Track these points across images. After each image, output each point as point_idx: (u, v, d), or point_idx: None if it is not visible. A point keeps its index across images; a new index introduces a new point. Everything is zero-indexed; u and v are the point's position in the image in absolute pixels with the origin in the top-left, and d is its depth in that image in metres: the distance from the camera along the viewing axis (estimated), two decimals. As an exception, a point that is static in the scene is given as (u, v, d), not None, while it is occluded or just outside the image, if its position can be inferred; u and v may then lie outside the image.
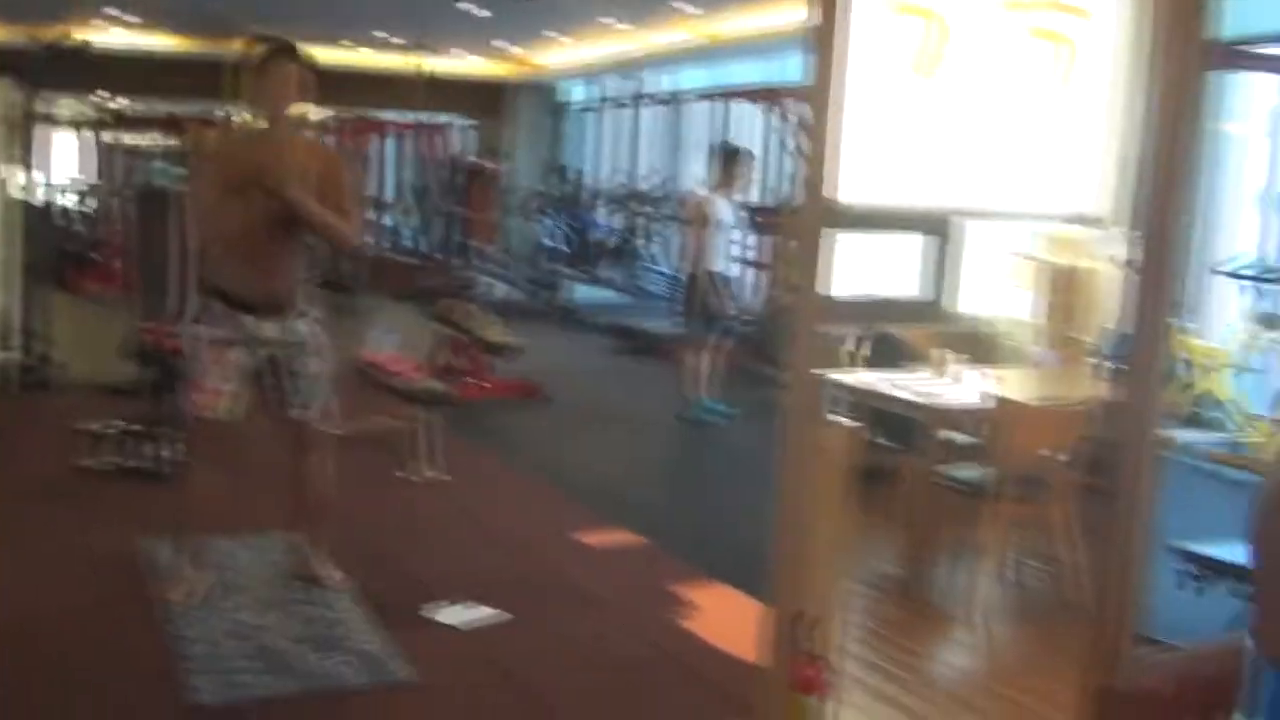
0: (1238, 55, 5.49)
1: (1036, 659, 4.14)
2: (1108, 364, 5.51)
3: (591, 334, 11.68)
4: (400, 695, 3.58)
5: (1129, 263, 6.79)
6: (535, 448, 7.14)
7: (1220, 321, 7.68)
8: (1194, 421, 7.31)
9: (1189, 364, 7.09)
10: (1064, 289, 6.59)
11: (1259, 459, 6.54)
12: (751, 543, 4.99)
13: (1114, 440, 4.76)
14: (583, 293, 13.67)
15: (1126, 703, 3.42)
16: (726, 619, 4.20)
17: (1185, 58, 3.43)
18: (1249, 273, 7.24)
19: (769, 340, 9.12)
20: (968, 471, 4.78)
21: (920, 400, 4.69)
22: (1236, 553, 4.07)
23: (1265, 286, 7.29)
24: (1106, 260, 6.58)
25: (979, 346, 6.41)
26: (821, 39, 2.91)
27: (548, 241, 14.78)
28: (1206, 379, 6.99)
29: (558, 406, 8.15)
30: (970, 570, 4.77)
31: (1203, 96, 3.60)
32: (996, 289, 7.00)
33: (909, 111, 5.00)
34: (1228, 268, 7.28)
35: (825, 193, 2.94)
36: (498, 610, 4.18)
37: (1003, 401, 4.62)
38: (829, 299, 2.99)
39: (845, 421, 3.40)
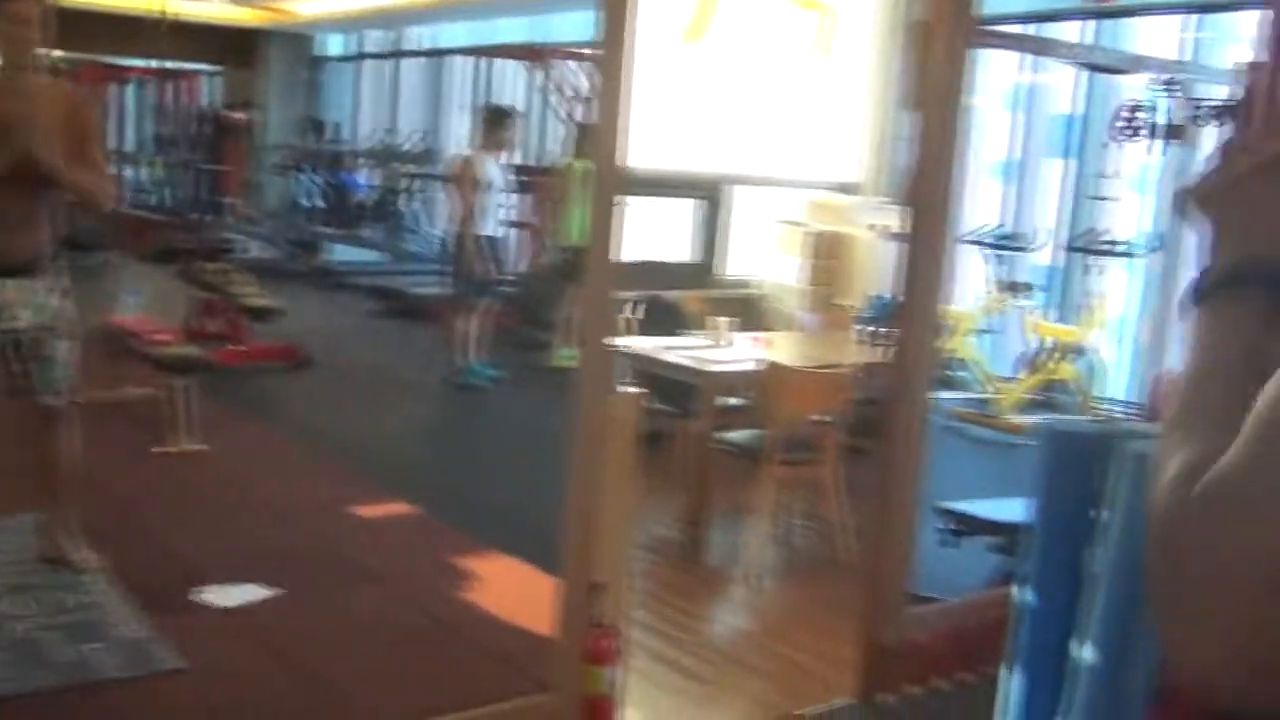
0: (992, 35, 5.76)
1: (810, 616, 4.27)
2: (870, 328, 5.72)
3: (352, 295, 11.35)
4: (167, 684, 3.37)
5: (886, 230, 7.05)
6: (300, 415, 6.88)
7: (965, 288, 8.10)
8: (943, 382, 7.70)
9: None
10: (826, 255, 6.81)
11: (1001, 417, 6.96)
12: (528, 510, 4.99)
13: (880, 402, 4.97)
14: (342, 253, 13.25)
15: (898, 657, 3.58)
16: (508, 589, 4.15)
17: (955, 36, 3.56)
18: (991, 240, 7.65)
19: (533, 302, 9.08)
20: (741, 435, 4.88)
21: (697, 366, 4.75)
22: (991, 509, 4.31)
23: (1005, 254, 7.73)
24: (866, 227, 6.84)
25: (747, 311, 6.55)
26: (611, 4, 2.87)
27: (305, 200, 14.24)
28: (953, 341, 7.36)
29: (321, 371, 7.88)
30: (745, 531, 4.88)
31: (968, 73, 3.76)
32: (763, 254, 7.18)
33: (678, 78, 5.06)
34: (972, 236, 7.67)
35: (617, 160, 2.91)
36: (268, 587, 4.00)
37: (773, 366, 4.72)
38: (619, 265, 2.97)
39: (631, 389, 3.40)
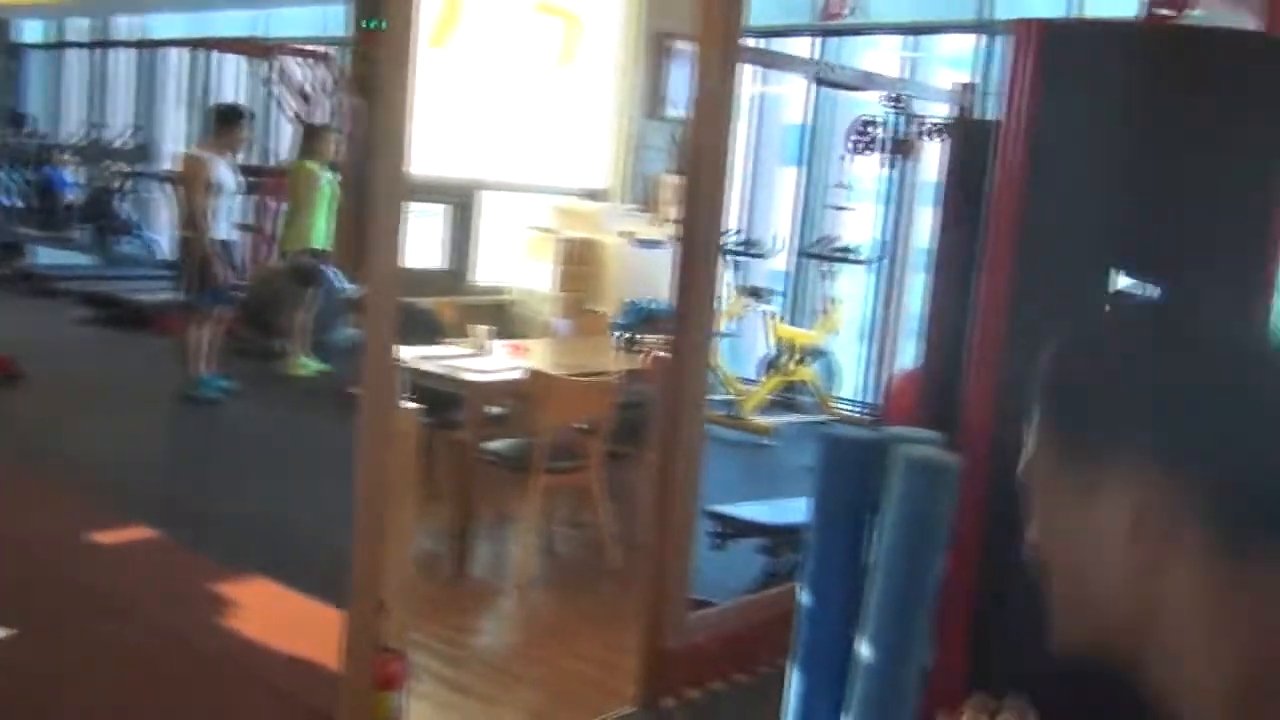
0: (749, 50, 5.92)
1: (583, 625, 4.26)
2: (625, 334, 5.77)
3: (61, 302, 10.54)
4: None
5: (634, 236, 7.13)
6: (18, 434, 6.33)
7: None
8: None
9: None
10: (577, 261, 6.84)
11: (746, 419, 7.17)
12: (282, 530, 4.77)
13: (640, 407, 5.02)
14: (48, 256, 12.30)
15: (678, 661, 3.62)
16: (272, 616, 3.95)
17: (724, 51, 3.64)
18: (731, 246, 7.87)
19: (264, 309, 8.70)
20: (504, 444, 4.83)
21: (462, 375, 4.66)
22: (757, 512, 4.44)
23: (744, 260, 7.97)
24: (615, 234, 6.91)
25: (500, 318, 6.50)
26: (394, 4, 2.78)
27: (3, 198, 13.15)
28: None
29: (35, 385, 7.28)
30: (511, 542, 4.84)
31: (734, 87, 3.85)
32: (514, 261, 7.15)
33: (424, 84, 4.89)
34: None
35: (401, 164, 2.82)
36: (-1, 627, 3.66)
37: (538, 374, 4.70)
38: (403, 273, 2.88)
39: (408, 404, 3.30)
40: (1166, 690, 0.80)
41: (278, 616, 3.92)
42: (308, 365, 7.95)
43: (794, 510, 4.48)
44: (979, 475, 3.03)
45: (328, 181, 7.72)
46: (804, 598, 3.17)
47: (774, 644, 3.81)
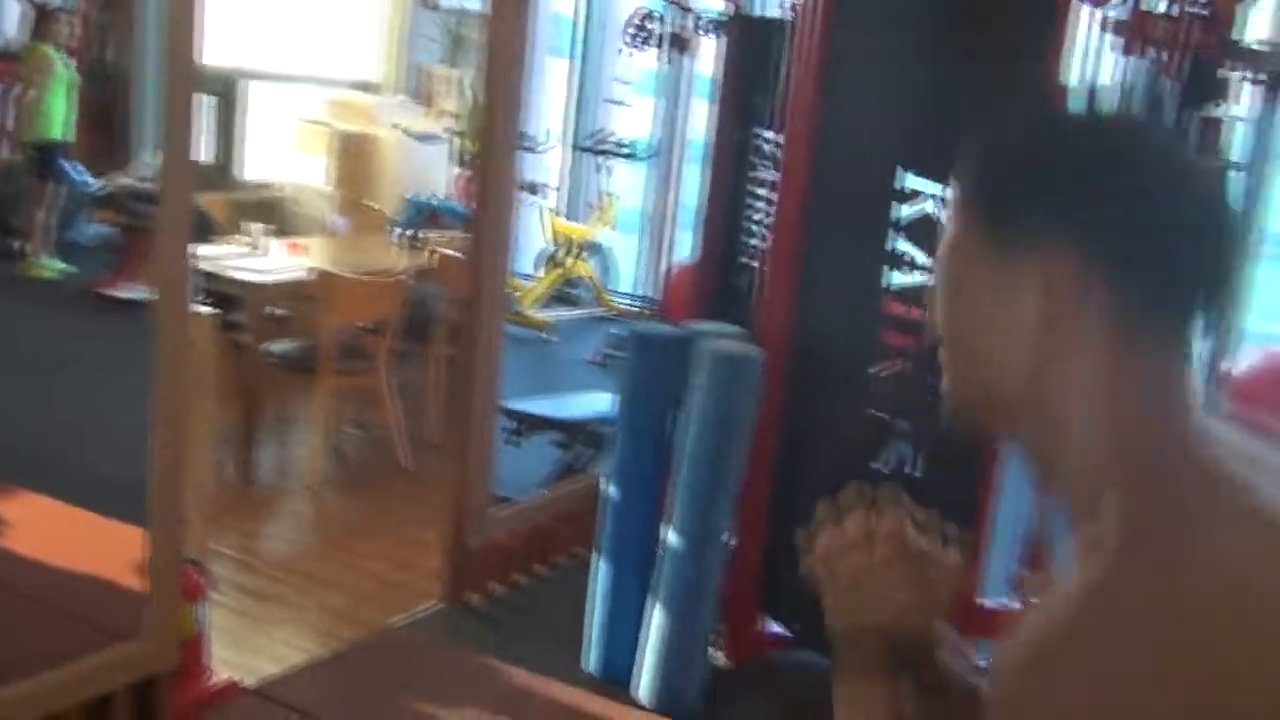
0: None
1: (379, 526, 4.23)
2: (406, 231, 5.66)
3: None
4: None
5: (410, 130, 6.97)
6: None
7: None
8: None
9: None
10: (352, 155, 6.63)
11: (526, 314, 7.17)
12: (56, 445, 4.51)
13: (424, 306, 4.96)
14: None
15: (482, 557, 3.66)
16: (48, 534, 3.75)
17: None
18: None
19: (-1, 205, 8.08)
20: (289, 346, 4.70)
21: (244, 276, 4.48)
22: (550, 407, 4.48)
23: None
24: (390, 127, 6.72)
25: (271, 214, 6.25)
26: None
27: None
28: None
29: None
30: (300, 445, 4.74)
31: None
32: (284, 155, 6.86)
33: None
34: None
35: (193, 53, 2.67)
36: None
37: (324, 274, 4.57)
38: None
39: (203, 309, 3.17)
40: (1039, 455, 0.91)
41: (60, 535, 3.73)
42: (50, 266, 7.44)
43: (587, 404, 4.56)
44: (777, 369, 3.16)
45: (64, 66, 7.17)
46: (611, 489, 3.26)
47: (572, 536, 3.91)
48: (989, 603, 3.54)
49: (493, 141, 3.53)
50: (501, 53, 3.47)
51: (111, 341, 6.08)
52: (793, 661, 3.38)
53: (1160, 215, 0.87)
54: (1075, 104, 1.01)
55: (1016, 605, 3.61)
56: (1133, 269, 0.86)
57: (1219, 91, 4.94)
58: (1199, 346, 0.90)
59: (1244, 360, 5.89)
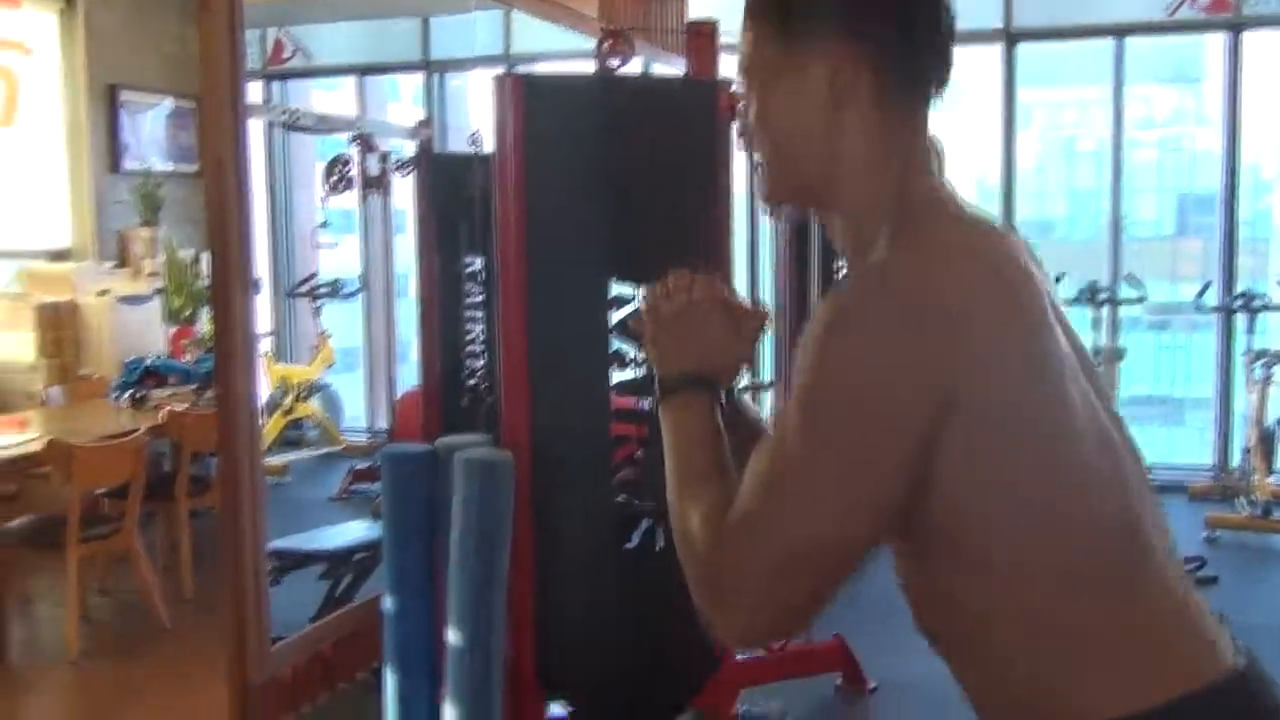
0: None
1: (149, 684, 4.24)
2: (127, 393, 5.68)
3: None
4: None
5: (114, 294, 6.96)
6: None
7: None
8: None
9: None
10: (57, 325, 6.55)
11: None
12: None
13: (161, 462, 5.02)
14: None
15: (267, 694, 3.78)
16: None
17: (232, 105, 3.82)
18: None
19: None
20: (22, 524, 4.66)
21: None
22: (308, 541, 4.64)
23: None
24: (96, 294, 6.69)
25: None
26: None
27: None
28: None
29: None
30: (48, 622, 4.67)
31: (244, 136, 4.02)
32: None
33: None
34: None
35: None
36: None
37: (53, 443, 4.57)
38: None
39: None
40: (833, 212, 1.22)
41: None
42: None
43: (344, 534, 4.74)
44: (524, 469, 3.49)
45: None
46: (388, 604, 3.47)
47: (354, 660, 4.07)
48: (745, 655, 3.97)
49: (227, 292, 3.71)
50: (222, 204, 3.67)
51: None
52: (576, 736, 3.67)
53: (903, 10, 1.18)
54: None
55: (767, 653, 4.04)
56: (890, 56, 1.16)
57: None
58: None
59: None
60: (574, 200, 3.62)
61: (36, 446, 4.59)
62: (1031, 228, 7.73)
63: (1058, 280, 6.46)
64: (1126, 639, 1.08)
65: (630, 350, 3.59)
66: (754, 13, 1.21)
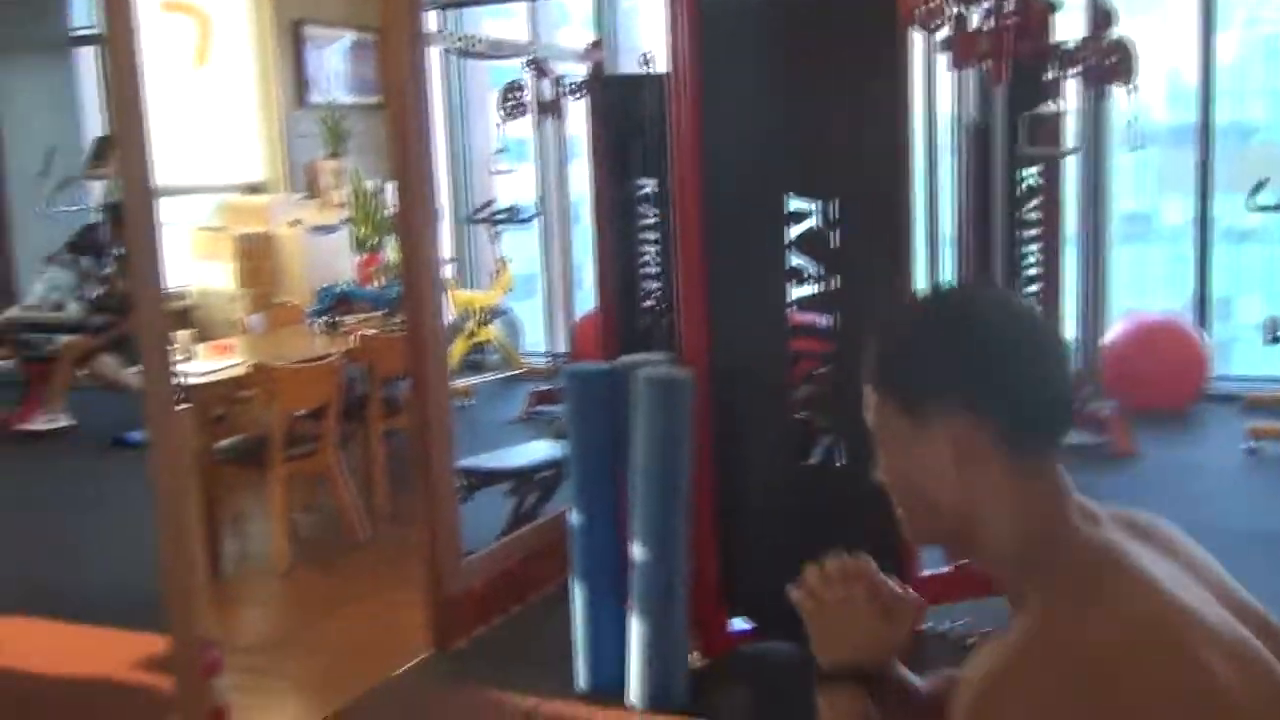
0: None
1: (354, 595, 4.46)
2: (323, 319, 5.92)
3: None
4: None
5: (305, 224, 7.20)
6: None
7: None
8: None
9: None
10: (255, 255, 6.87)
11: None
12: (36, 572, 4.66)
13: (355, 386, 5.22)
14: None
15: (461, 606, 3.95)
16: (52, 649, 3.93)
17: (410, 37, 3.90)
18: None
19: None
20: (237, 441, 4.93)
21: (188, 380, 4.70)
22: (495, 460, 4.78)
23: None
24: (287, 224, 6.98)
25: (188, 321, 6.47)
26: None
27: None
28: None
29: None
30: (260, 534, 4.96)
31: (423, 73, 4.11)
32: (186, 264, 7.06)
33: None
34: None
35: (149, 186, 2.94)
36: None
37: (259, 367, 4.81)
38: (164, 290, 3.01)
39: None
40: (982, 564, 1.25)
41: (74, 651, 3.91)
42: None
43: (529, 453, 4.88)
44: (705, 387, 3.53)
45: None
46: (575, 519, 3.58)
47: (542, 574, 4.22)
48: (929, 572, 3.95)
49: (410, 224, 3.83)
50: (404, 135, 3.78)
51: (58, 475, 6.22)
52: (760, 651, 3.72)
53: (1014, 367, 1.21)
54: (923, 292, 1.35)
55: (951, 570, 4.02)
56: (1008, 412, 1.20)
57: (1048, 91, 5.51)
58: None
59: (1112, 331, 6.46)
60: (749, 117, 3.59)
61: (242, 370, 4.85)
62: (1230, 132, 7.30)
63: (1259, 188, 6.11)
64: None
65: (808, 266, 3.57)
66: (875, 385, 1.27)
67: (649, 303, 6.38)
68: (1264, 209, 6.11)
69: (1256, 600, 1.25)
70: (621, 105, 6.38)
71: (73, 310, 6.84)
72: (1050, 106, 5.45)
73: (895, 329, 1.30)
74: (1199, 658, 1.09)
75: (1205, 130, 6.82)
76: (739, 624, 3.76)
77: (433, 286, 3.90)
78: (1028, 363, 1.22)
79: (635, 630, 3.41)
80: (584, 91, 6.84)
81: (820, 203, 3.59)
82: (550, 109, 7.04)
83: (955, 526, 1.24)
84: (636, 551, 3.41)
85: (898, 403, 1.24)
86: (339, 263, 6.97)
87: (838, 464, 3.63)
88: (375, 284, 6.81)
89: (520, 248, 8.27)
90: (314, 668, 3.89)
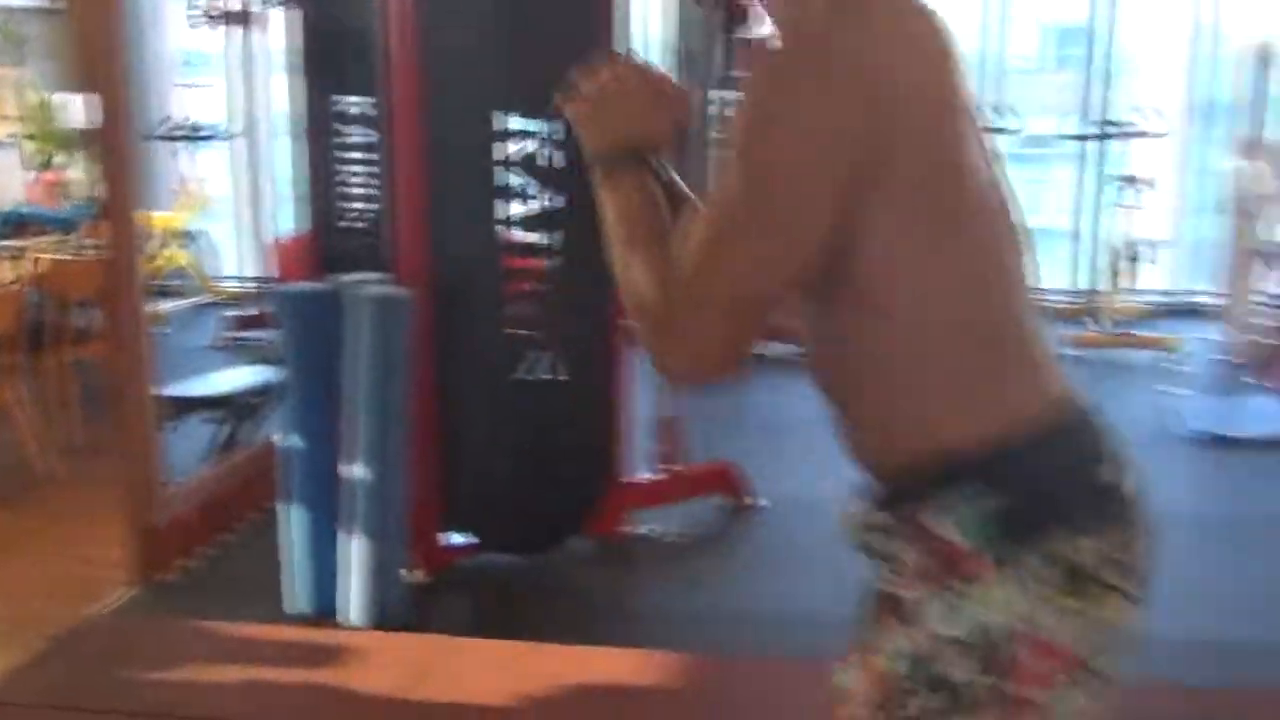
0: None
1: (42, 533, 4.18)
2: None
3: None
4: None
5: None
6: None
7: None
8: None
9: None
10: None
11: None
12: None
13: (41, 314, 4.88)
14: None
15: (165, 537, 3.80)
16: None
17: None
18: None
19: None
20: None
21: None
22: (201, 386, 4.59)
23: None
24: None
25: None
26: None
27: None
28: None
29: None
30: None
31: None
32: None
33: None
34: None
35: None
36: None
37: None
38: None
39: None
40: None
41: None
42: None
43: (234, 379, 4.70)
44: (422, 305, 3.51)
45: None
46: (290, 442, 3.49)
47: (248, 501, 4.11)
48: (636, 478, 4.10)
49: (112, 142, 3.57)
50: (95, 40, 3.51)
51: None
52: (479, 565, 3.77)
53: None
54: None
55: (658, 476, 4.19)
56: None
57: (742, 18, 5.76)
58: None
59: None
60: (464, 34, 3.56)
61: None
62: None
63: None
64: (993, 377, 1.23)
65: (529, 185, 3.59)
66: None
67: (359, 224, 6.22)
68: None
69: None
70: (330, 17, 6.13)
71: None
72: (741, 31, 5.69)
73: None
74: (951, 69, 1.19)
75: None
76: (457, 539, 3.79)
77: (134, 206, 3.67)
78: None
79: (355, 551, 3.38)
80: (290, 3, 6.53)
81: (545, 124, 3.61)
82: (243, 18, 6.70)
83: None
84: (356, 471, 3.37)
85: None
86: (8, 180, 6.42)
87: (559, 378, 3.69)
88: (60, 205, 6.31)
89: (216, 165, 7.86)
90: (5, 613, 3.64)
